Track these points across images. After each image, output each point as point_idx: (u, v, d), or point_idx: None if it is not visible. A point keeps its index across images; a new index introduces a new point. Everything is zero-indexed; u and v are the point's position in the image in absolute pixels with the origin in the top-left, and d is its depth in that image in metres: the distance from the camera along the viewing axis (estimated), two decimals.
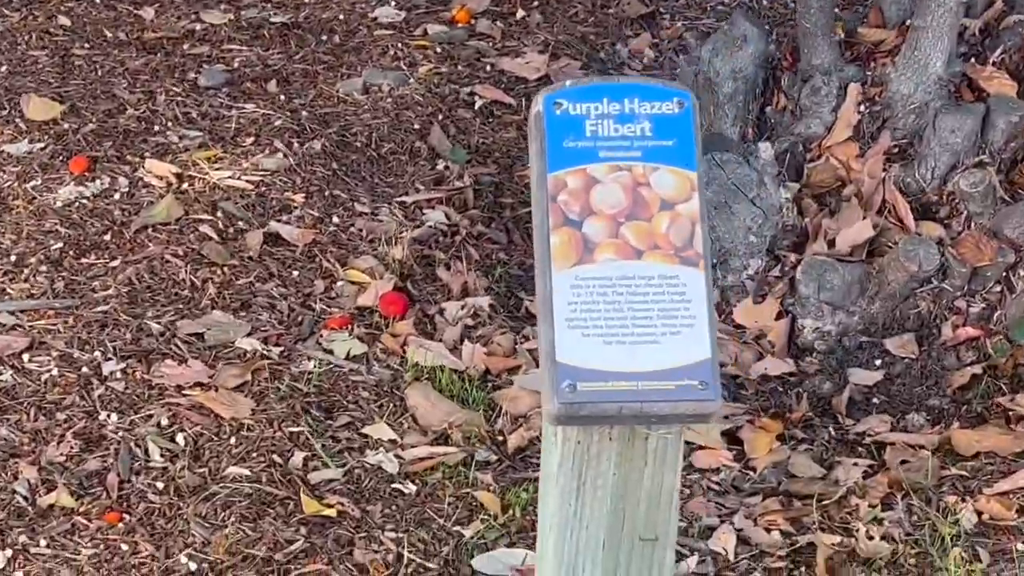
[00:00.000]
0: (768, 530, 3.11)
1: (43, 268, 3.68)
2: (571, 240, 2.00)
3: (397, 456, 3.25)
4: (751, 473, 3.30)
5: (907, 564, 3.03)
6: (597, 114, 2.04)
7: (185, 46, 4.76)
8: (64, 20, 4.88)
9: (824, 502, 3.18)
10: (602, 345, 1.97)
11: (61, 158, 4.12)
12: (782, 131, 4.11)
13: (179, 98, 4.45)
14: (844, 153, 3.97)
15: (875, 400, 3.64)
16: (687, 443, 3.38)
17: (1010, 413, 3.47)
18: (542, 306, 1.98)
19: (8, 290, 3.62)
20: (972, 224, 3.80)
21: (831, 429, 3.47)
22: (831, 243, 3.84)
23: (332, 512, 3.05)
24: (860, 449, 3.39)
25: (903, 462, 3.33)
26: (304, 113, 4.40)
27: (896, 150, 3.96)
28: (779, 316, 3.78)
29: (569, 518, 2.09)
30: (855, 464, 3.29)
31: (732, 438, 3.39)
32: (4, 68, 4.58)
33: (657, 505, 2.10)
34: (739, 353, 3.72)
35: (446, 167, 4.27)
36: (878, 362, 3.73)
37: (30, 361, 3.38)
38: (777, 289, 3.80)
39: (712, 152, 3.83)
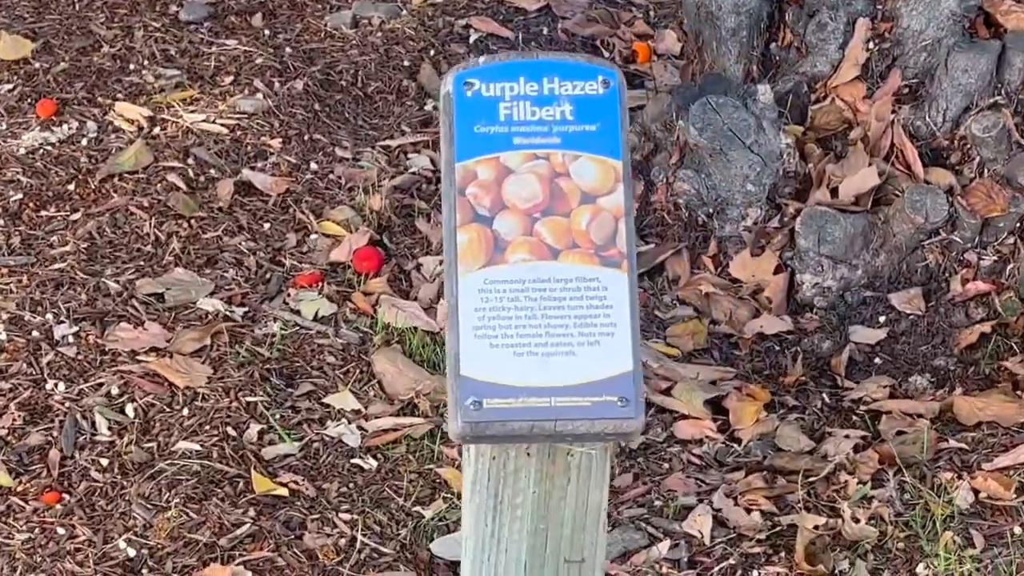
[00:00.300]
0: (748, 510, 2.92)
1: (0, 223, 3.51)
2: (480, 238, 1.79)
3: (360, 428, 3.07)
4: (735, 446, 3.10)
5: (895, 549, 2.83)
6: (512, 95, 1.83)
7: None
8: None
9: (811, 479, 2.98)
10: (512, 357, 1.77)
11: (29, 100, 3.94)
12: (788, 69, 3.87)
13: (158, 34, 4.25)
14: (850, 94, 3.72)
15: (877, 360, 3.43)
16: (669, 412, 3.18)
17: (1017, 377, 3.25)
18: (449, 313, 1.78)
19: None
20: (985, 171, 3.56)
21: (825, 395, 3.26)
22: (834, 191, 3.61)
23: (284, 491, 2.89)
24: (854, 418, 3.19)
25: (899, 433, 3.12)
26: (288, 50, 4.19)
27: (906, 91, 3.71)
28: (778, 270, 3.57)
29: (486, 540, 1.90)
30: (846, 436, 3.08)
31: (718, 407, 3.19)
32: None
33: (583, 525, 1.91)
34: (734, 310, 3.51)
35: (435, 107, 4.05)
36: (882, 319, 3.51)
37: None
38: (776, 241, 3.58)
39: (708, 95, 3.60)
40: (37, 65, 4.08)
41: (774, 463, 3.03)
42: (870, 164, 3.59)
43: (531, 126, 1.83)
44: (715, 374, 3.30)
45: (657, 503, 2.94)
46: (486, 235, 1.79)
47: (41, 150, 3.76)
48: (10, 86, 4.00)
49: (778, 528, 2.88)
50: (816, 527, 2.86)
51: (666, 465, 3.04)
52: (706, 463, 3.06)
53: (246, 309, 3.34)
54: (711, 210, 3.63)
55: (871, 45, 3.72)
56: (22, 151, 3.75)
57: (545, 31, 4.45)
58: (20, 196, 3.60)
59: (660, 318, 3.51)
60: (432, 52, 4.24)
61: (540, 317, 1.78)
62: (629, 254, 1.78)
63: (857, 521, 2.84)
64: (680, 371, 3.26)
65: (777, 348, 3.46)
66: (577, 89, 1.83)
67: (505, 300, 1.78)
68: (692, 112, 3.55)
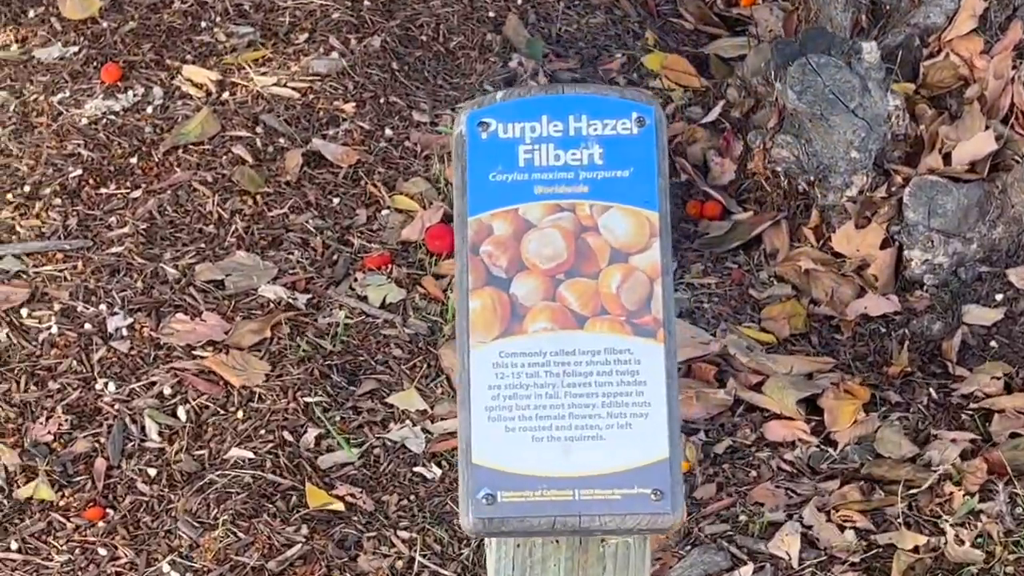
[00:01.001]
0: (842, 527, 2.68)
1: (57, 201, 3.35)
2: (495, 304, 1.57)
3: (424, 431, 2.87)
4: (831, 450, 2.85)
5: (1003, 574, 2.58)
6: (534, 137, 1.59)
7: None
8: None
9: (912, 490, 2.73)
10: (530, 442, 1.55)
11: (94, 64, 3.76)
12: (899, 20, 3.56)
13: None
14: (967, 48, 3.41)
15: (992, 344, 3.15)
16: (760, 411, 2.94)
17: None
18: (459, 391, 1.56)
19: (18, 227, 3.30)
20: None
21: (932, 389, 2.99)
22: (947, 156, 3.31)
23: (340, 505, 2.70)
24: (963, 417, 2.92)
25: (1012, 436, 2.85)
26: (367, 3, 3.95)
27: None
28: (884, 244, 3.29)
29: None
30: (953, 441, 2.82)
31: (813, 405, 2.94)
32: None
33: None
34: (836, 288, 3.25)
35: (520, 63, 3.81)
36: (999, 297, 3.22)
37: (29, 316, 3.07)
38: (883, 212, 3.30)
39: (808, 54, 3.31)
40: (104, 25, 3.90)
41: (872, 471, 2.78)
42: (987, 127, 3.29)
43: (555, 172, 1.59)
44: (812, 365, 3.04)
45: (742, 518, 2.71)
46: (502, 300, 1.57)
47: (104, 119, 3.59)
48: (76, 48, 3.83)
49: (874, 549, 2.63)
50: (916, 548, 2.61)
51: (754, 473, 2.81)
52: (798, 470, 2.82)
53: (310, 296, 3.14)
54: (812, 178, 3.35)
55: None
56: (84, 121, 3.58)
57: None
58: (80, 172, 3.43)
59: (755, 298, 3.26)
60: (519, 1, 3.98)
61: (563, 396, 1.56)
62: (667, 321, 1.55)
63: (962, 543, 2.59)
64: (771, 364, 3.01)
65: (883, 330, 3.19)
66: (608, 128, 1.59)
67: (523, 376, 1.56)
68: (790, 74, 3.26)
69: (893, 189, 3.31)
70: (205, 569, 2.60)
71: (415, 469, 2.80)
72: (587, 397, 1.55)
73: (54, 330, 3.04)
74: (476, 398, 1.55)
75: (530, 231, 1.58)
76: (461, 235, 1.58)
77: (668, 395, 1.54)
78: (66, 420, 2.86)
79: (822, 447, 2.86)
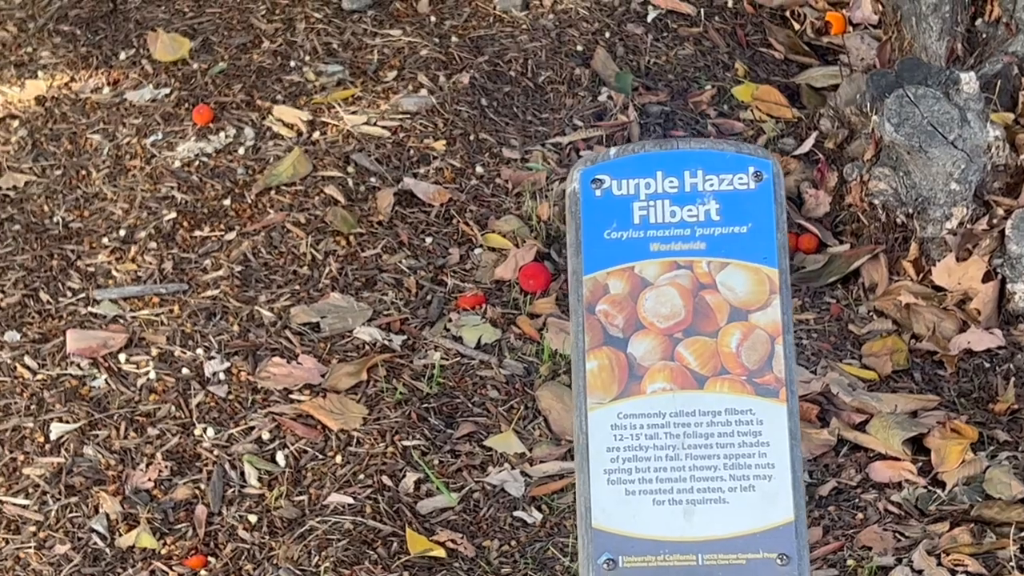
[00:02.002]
0: (953, 571, 2.62)
1: (152, 245, 3.36)
2: (613, 365, 1.54)
3: (524, 473, 2.85)
4: (939, 491, 2.79)
5: None
6: (649, 193, 1.57)
7: None
8: None
9: None
10: (651, 505, 1.52)
11: (186, 106, 3.78)
12: (995, 48, 3.50)
13: (320, 25, 4.05)
14: None
15: None
16: (864, 451, 2.89)
17: None
18: (577, 453, 1.53)
19: (114, 271, 3.31)
20: None
21: None
22: None
23: (441, 552, 2.68)
24: None
25: None
26: (455, 38, 3.95)
27: None
28: (987, 277, 3.23)
29: None
30: None
31: (919, 445, 2.89)
32: None
33: None
34: (937, 323, 3.19)
35: (609, 97, 3.78)
36: None
37: (127, 362, 3.07)
38: (985, 245, 3.24)
39: (905, 85, 3.26)
40: (195, 66, 3.92)
41: (982, 513, 2.72)
42: None
43: (671, 229, 1.56)
44: (916, 403, 2.99)
45: (850, 562, 2.66)
46: (619, 360, 1.54)
47: (197, 161, 3.60)
48: (167, 90, 3.85)
49: None
50: None
51: (860, 515, 2.76)
52: (906, 512, 2.76)
53: (405, 337, 3.13)
54: (911, 210, 3.30)
55: None
56: (177, 164, 3.59)
57: (730, 3, 4.13)
58: (174, 215, 3.44)
59: (855, 334, 3.21)
60: (607, 34, 3.96)
61: (684, 458, 1.53)
62: (788, 380, 1.51)
63: None
64: (875, 403, 2.95)
65: (987, 365, 3.13)
66: (724, 184, 1.56)
67: (642, 438, 1.53)
68: (888, 106, 3.22)
69: (994, 221, 3.25)
70: None
71: (515, 513, 2.78)
72: (709, 459, 1.52)
73: (152, 375, 3.04)
74: (595, 461, 1.53)
75: (647, 289, 1.55)
76: (576, 294, 1.56)
77: (792, 456, 1.51)
78: (166, 466, 2.86)
79: (930, 488, 2.80)
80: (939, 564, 2.63)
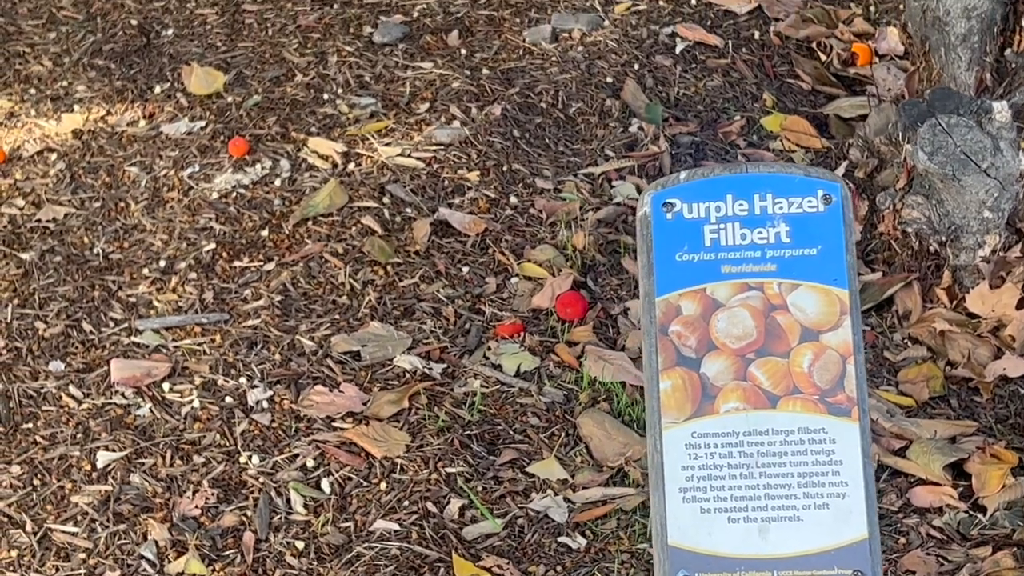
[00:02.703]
0: None
1: (192, 275, 3.39)
2: (686, 384, 1.57)
3: (567, 499, 2.87)
4: (980, 516, 2.82)
5: None
6: (719, 216, 1.60)
7: None
8: None
9: None
10: (727, 523, 1.55)
11: (222, 138, 3.82)
12: None
13: (352, 58, 4.09)
14: None
15: None
16: (905, 476, 2.92)
17: None
18: (652, 472, 1.56)
19: (155, 302, 3.34)
20: None
21: None
22: None
23: None
24: None
25: None
26: (485, 71, 3.99)
27: None
28: (1020, 304, 3.25)
29: None
30: None
31: (959, 469, 2.91)
32: (171, 31, 4.29)
33: None
34: (972, 350, 3.22)
35: (640, 128, 3.82)
36: None
37: (171, 391, 3.10)
38: (1018, 272, 3.27)
39: (937, 114, 3.29)
40: (230, 99, 3.96)
41: None
42: None
43: (742, 251, 1.59)
44: (954, 429, 3.02)
45: None
46: (693, 380, 1.57)
47: (234, 193, 3.64)
48: (203, 123, 3.89)
49: None
50: None
51: (903, 540, 2.78)
52: (948, 536, 2.79)
53: (445, 365, 3.16)
54: (944, 238, 3.33)
55: None
56: (215, 195, 3.63)
57: (757, 35, 4.17)
58: (213, 246, 3.47)
59: (891, 361, 3.23)
60: (636, 66, 4.01)
61: (758, 476, 1.55)
62: (860, 400, 1.54)
63: None
64: (914, 429, 2.98)
65: (1022, 392, 3.16)
66: (794, 207, 1.59)
67: (716, 457, 1.56)
68: (921, 135, 3.25)
69: None
70: None
71: (560, 539, 2.80)
72: (782, 477, 1.55)
73: (196, 404, 3.07)
74: (670, 479, 1.55)
75: (719, 310, 1.58)
76: (649, 315, 1.59)
77: (865, 474, 1.54)
78: (212, 494, 2.89)
79: (971, 513, 2.83)
80: None
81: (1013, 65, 3.57)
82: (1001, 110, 3.28)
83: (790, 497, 1.54)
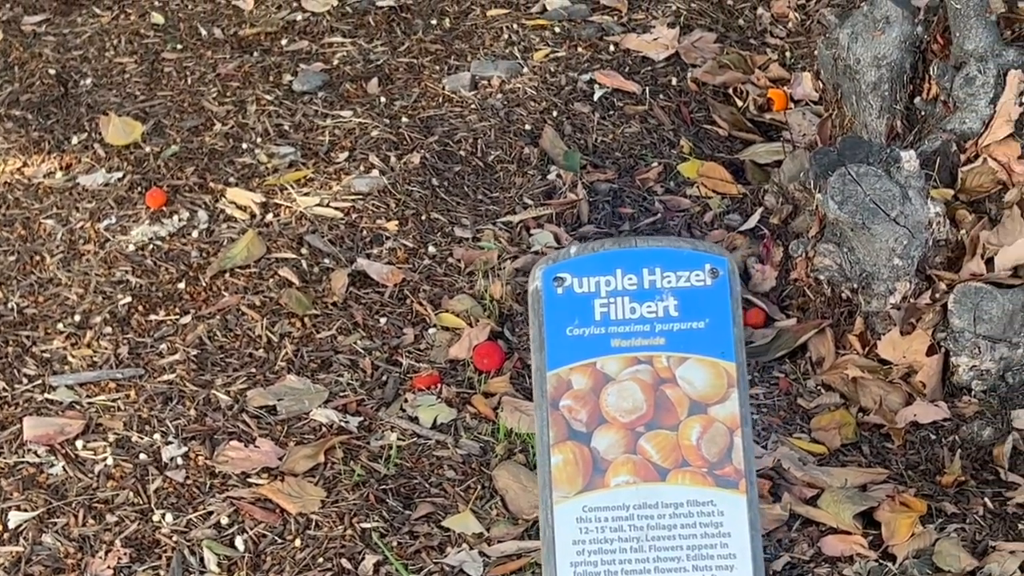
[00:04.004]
0: None
1: (107, 330, 3.38)
2: (577, 459, 1.58)
3: (482, 553, 2.88)
4: (890, 565, 2.85)
5: None
6: (609, 291, 1.62)
7: (283, 41, 4.40)
8: (157, 17, 4.56)
9: None
10: None
11: (139, 189, 3.81)
12: (934, 126, 3.59)
13: (271, 107, 4.10)
14: (1004, 153, 3.43)
15: None
16: (816, 525, 2.94)
17: None
18: (544, 547, 1.57)
19: (69, 357, 3.33)
20: None
21: (987, 499, 2.99)
22: (990, 261, 3.33)
23: None
24: (1021, 526, 2.91)
25: None
26: (404, 119, 4.01)
27: None
28: (931, 350, 3.30)
29: None
30: (1012, 552, 2.81)
31: (869, 518, 2.94)
32: (89, 80, 4.28)
33: None
34: (884, 396, 3.25)
35: (558, 175, 3.85)
36: None
37: (84, 448, 3.09)
38: (928, 319, 3.31)
39: (847, 163, 3.34)
40: (148, 149, 3.96)
41: None
42: None
43: (631, 325, 1.61)
44: (865, 476, 3.05)
45: None
46: (583, 454, 1.59)
47: (151, 245, 3.63)
48: (120, 174, 3.88)
49: None
50: None
51: None
52: None
53: (361, 418, 3.16)
54: (855, 285, 3.37)
55: None
56: (131, 247, 3.62)
57: (674, 81, 4.21)
58: (129, 299, 3.46)
59: (804, 408, 3.27)
60: (555, 113, 4.03)
61: (648, 549, 1.57)
62: (747, 472, 1.56)
63: None
64: (825, 477, 3.01)
65: (933, 437, 3.20)
66: (682, 280, 1.61)
67: (607, 530, 1.57)
68: (831, 184, 3.29)
69: (937, 295, 3.33)
70: None
71: None
72: (672, 550, 1.57)
73: (110, 461, 3.06)
74: (561, 554, 1.57)
75: (609, 384, 1.60)
76: (540, 389, 1.60)
77: (752, 546, 1.55)
78: (125, 553, 2.87)
79: (881, 561, 2.85)
80: None
81: (923, 112, 3.63)
82: (909, 159, 3.33)
83: (679, 570, 1.55)
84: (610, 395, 1.56)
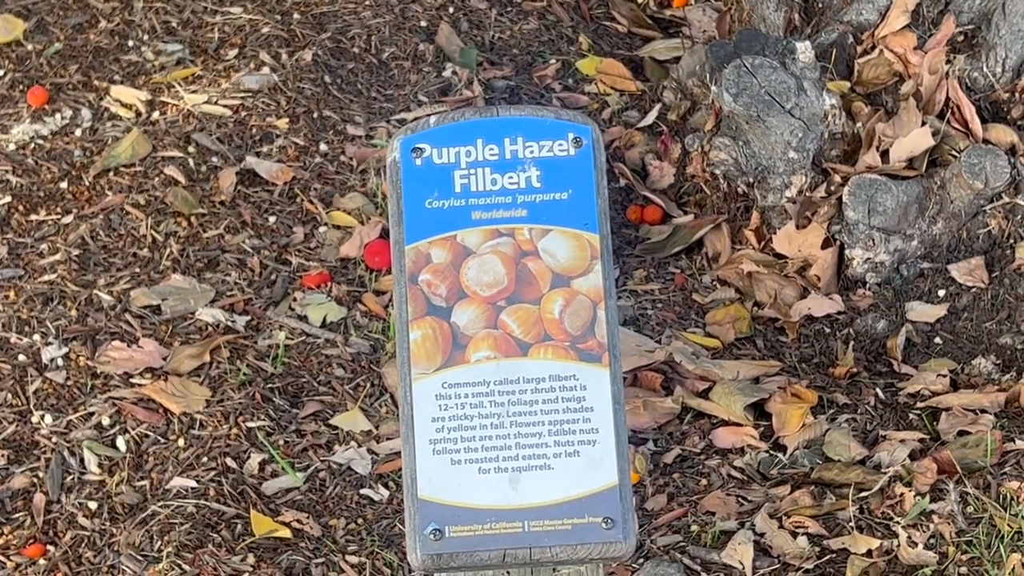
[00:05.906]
0: (795, 533, 2.66)
1: None
2: (436, 334, 1.53)
3: (370, 451, 2.83)
4: (780, 455, 2.83)
5: (956, 574, 2.56)
6: (469, 161, 1.56)
7: None
8: None
9: (863, 492, 2.71)
10: (477, 474, 1.52)
11: (20, 88, 3.70)
12: (831, 17, 3.54)
13: (159, 3, 3.98)
14: (900, 44, 3.40)
15: (937, 340, 3.14)
16: (708, 417, 2.92)
17: None
18: (403, 424, 1.53)
19: None
20: None
21: (879, 390, 2.98)
22: (885, 153, 3.30)
23: (287, 532, 2.66)
24: (911, 417, 2.90)
25: (960, 434, 2.84)
26: (296, 16, 3.90)
27: (961, 39, 3.38)
28: (826, 244, 3.27)
29: None
30: (902, 441, 2.80)
31: (761, 410, 2.92)
32: None
33: None
34: (779, 290, 3.23)
35: (454, 72, 3.77)
36: (941, 293, 3.22)
37: None
38: (823, 212, 3.28)
39: (743, 56, 3.29)
40: (30, 47, 3.84)
41: (823, 475, 2.77)
42: (923, 123, 3.28)
43: (492, 197, 1.56)
44: (758, 369, 3.03)
45: (694, 528, 2.69)
46: (443, 330, 1.53)
47: (32, 144, 3.53)
48: (1, 72, 3.76)
49: (827, 555, 2.62)
50: (869, 551, 2.60)
51: (704, 481, 2.78)
52: (748, 476, 2.80)
53: (249, 317, 3.10)
54: (751, 180, 3.34)
55: None
56: (12, 147, 3.52)
57: None
58: (8, 199, 3.36)
59: (699, 303, 3.24)
60: (451, 9, 3.95)
61: (509, 426, 1.52)
62: (611, 345, 1.52)
63: (914, 545, 2.58)
64: (717, 370, 2.98)
65: (827, 331, 3.18)
66: (544, 150, 1.55)
67: (467, 407, 1.52)
68: (726, 77, 3.24)
69: (832, 188, 3.30)
70: None
71: (362, 491, 2.76)
72: (533, 426, 1.52)
73: None
74: (420, 431, 1.52)
75: (469, 258, 1.54)
76: (399, 264, 1.55)
77: (616, 420, 1.51)
78: (3, 455, 2.80)
79: (771, 452, 2.84)
80: (780, 527, 2.67)
81: (820, 4, 3.58)
82: (804, 50, 3.29)
83: (541, 446, 1.51)
84: (470, 269, 1.51)
